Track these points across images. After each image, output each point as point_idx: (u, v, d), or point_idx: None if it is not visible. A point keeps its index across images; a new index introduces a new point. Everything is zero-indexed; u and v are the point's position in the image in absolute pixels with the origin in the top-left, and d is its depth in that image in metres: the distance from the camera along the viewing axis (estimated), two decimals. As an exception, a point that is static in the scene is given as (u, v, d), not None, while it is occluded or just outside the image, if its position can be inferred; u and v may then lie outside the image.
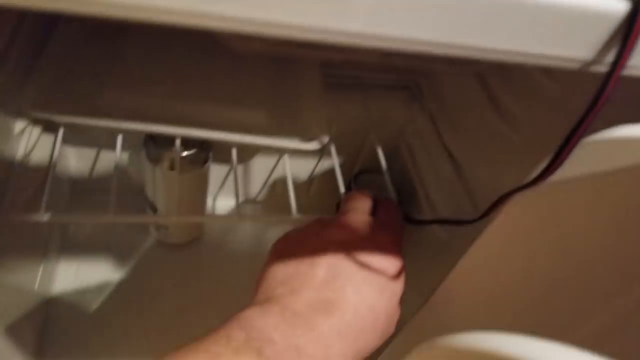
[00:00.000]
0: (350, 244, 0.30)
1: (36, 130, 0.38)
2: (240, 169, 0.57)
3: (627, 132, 0.20)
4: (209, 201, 0.58)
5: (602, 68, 0.19)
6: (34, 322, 0.46)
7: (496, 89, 0.40)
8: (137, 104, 0.38)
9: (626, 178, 0.21)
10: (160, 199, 0.47)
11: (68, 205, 0.54)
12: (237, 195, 0.37)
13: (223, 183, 0.55)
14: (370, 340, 0.28)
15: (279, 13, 0.15)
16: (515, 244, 0.30)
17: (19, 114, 0.36)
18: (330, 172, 0.57)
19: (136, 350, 0.48)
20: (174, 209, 0.45)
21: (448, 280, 0.40)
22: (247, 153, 0.40)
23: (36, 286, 0.45)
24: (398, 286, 0.31)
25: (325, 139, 0.38)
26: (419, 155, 0.51)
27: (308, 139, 0.38)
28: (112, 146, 0.51)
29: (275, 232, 0.62)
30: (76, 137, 0.49)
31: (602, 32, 0.18)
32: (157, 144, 0.43)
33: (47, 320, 0.48)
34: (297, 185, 0.59)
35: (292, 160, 0.55)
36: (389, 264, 0.31)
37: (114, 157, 0.52)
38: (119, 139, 0.38)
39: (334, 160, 0.41)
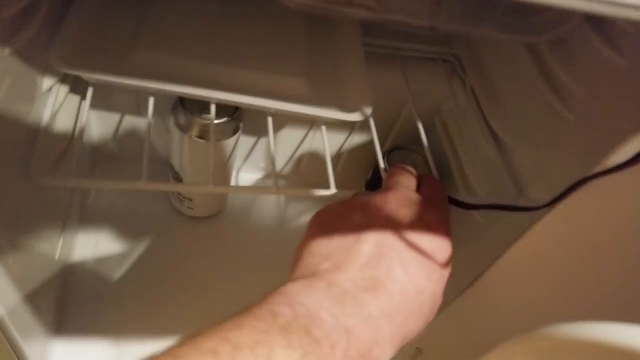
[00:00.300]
0: (397, 221, 0.28)
1: (63, 89, 0.36)
2: (262, 142, 0.55)
3: None
4: (232, 174, 0.56)
5: None
6: (54, 290, 0.44)
7: (551, 62, 0.37)
8: (170, 66, 0.36)
9: None
10: (187, 169, 0.45)
11: (89, 173, 0.53)
12: (273, 167, 0.35)
13: (249, 154, 0.54)
14: (416, 325, 0.26)
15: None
16: (580, 233, 0.28)
17: (47, 69, 0.34)
18: (359, 148, 0.55)
19: (156, 321, 0.47)
20: (202, 179, 0.43)
21: (496, 266, 0.39)
22: (274, 125, 0.38)
23: (57, 255, 0.44)
24: (446, 271, 0.29)
25: (368, 111, 0.36)
26: (455, 133, 0.48)
27: (350, 109, 0.36)
28: (136, 112, 0.50)
29: (297, 207, 0.61)
30: (99, 101, 0.47)
31: None
32: (186, 111, 0.41)
33: (67, 290, 0.47)
34: (322, 162, 0.57)
35: (318, 134, 0.53)
36: (438, 246, 0.29)
37: (138, 123, 0.51)
38: (151, 102, 0.35)
39: (372, 134, 0.38)
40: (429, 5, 0.34)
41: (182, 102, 0.42)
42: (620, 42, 0.31)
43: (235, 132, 0.43)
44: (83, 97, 0.41)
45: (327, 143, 0.36)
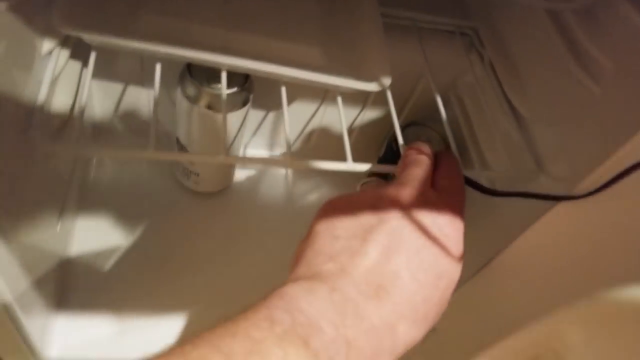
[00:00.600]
0: (407, 223, 0.26)
1: (64, 54, 0.34)
2: (270, 117, 0.53)
3: None
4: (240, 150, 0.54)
5: None
6: (55, 265, 0.43)
7: (577, 33, 0.36)
8: (179, 30, 0.34)
9: None
10: (195, 142, 0.44)
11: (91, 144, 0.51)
12: (286, 139, 0.33)
13: (257, 130, 0.52)
14: (419, 332, 0.25)
15: None
16: (605, 218, 0.27)
17: (47, 31, 0.32)
18: (371, 125, 0.54)
19: (159, 298, 0.46)
20: (211, 152, 0.42)
21: (513, 247, 0.37)
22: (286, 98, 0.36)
23: (58, 229, 0.43)
24: (456, 274, 0.27)
25: (387, 81, 0.34)
26: (471, 109, 0.47)
27: (367, 80, 0.34)
28: (140, 83, 0.48)
29: (304, 185, 0.59)
30: (101, 70, 0.45)
31: None
32: (195, 81, 0.39)
33: (68, 265, 0.46)
34: (333, 138, 0.55)
35: (329, 109, 0.51)
36: (452, 243, 0.27)
37: (142, 95, 0.49)
38: (158, 68, 0.33)
39: (390, 107, 0.37)
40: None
41: (190, 72, 0.40)
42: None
43: (244, 103, 0.42)
44: (85, 63, 0.39)
45: (343, 114, 0.35)
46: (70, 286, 0.45)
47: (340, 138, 0.55)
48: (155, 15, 0.34)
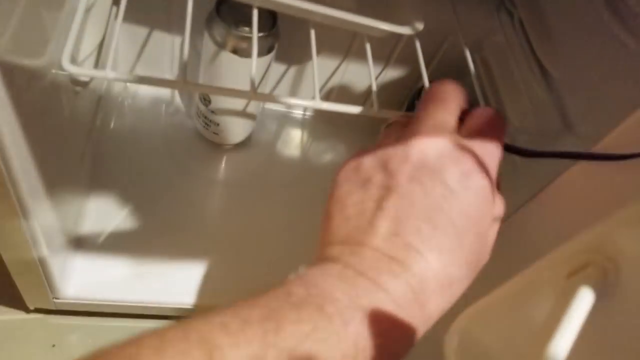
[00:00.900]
0: (421, 175, 0.23)
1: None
2: (291, 71, 0.53)
3: None
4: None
5: None
6: (75, 203, 0.44)
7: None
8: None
9: None
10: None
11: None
12: (315, 82, 0.33)
13: (279, 81, 0.52)
14: (441, 308, 0.23)
15: None
16: None
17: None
18: (391, 83, 0.53)
19: (176, 245, 0.47)
20: (234, 100, 0.42)
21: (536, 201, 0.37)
22: (310, 50, 0.35)
23: (80, 172, 0.43)
24: (487, 249, 0.24)
25: (420, 25, 0.34)
26: (497, 70, 0.46)
27: (400, 22, 0.34)
28: (167, 28, 0.48)
29: (320, 146, 0.59)
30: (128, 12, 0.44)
31: None
32: (223, 23, 0.39)
33: (88, 212, 0.46)
34: (353, 95, 0.55)
35: (351, 65, 0.51)
36: (478, 198, 0.23)
37: (166, 43, 0.49)
38: (190, 2, 0.33)
39: (418, 55, 0.36)
40: None
41: (219, 13, 0.39)
42: None
43: (270, 50, 0.41)
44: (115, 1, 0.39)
45: (371, 59, 0.35)
46: (89, 230, 0.45)
47: (360, 96, 0.56)
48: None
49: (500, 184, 0.27)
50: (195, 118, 0.51)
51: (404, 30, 0.33)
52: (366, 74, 0.35)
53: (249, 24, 0.37)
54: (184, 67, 0.31)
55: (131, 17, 0.45)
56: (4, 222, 0.31)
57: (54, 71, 0.30)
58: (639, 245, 0.14)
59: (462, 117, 0.27)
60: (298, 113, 0.59)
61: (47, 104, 0.31)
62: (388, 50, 0.49)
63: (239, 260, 0.48)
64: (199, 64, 0.45)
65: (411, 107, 0.49)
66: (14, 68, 0.24)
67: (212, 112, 0.48)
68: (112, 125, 0.52)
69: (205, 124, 0.49)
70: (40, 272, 0.37)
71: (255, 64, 0.32)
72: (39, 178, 0.30)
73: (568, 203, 0.25)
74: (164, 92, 0.55)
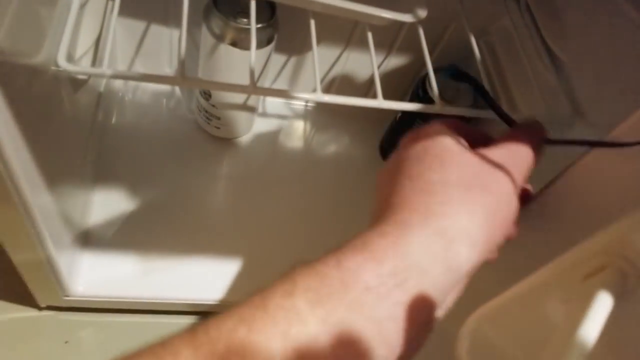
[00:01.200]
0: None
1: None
2: (291, 63, 0.52)
3: None
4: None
5: None
6: (81, 201, 0.43)
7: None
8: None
9: None
10: (220, 81, 0.43)
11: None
12: (316, 75, 0.32)
13: (279, 74, 0.51)
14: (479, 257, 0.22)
15: None
16: None
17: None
18: (394, 72, 0.52)
19: (181, 241, 0.47)
20: (234, 94, 0.41)
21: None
22: (310, 40, 0.34)
23: (82, 171, 0.43)
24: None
25: (423, 13, 0.33)
26: (503, 55, 0.45)
27: (402, 10, 0.33)
28: (164, 21, 0.47)
29: (323, 137, 0.59)
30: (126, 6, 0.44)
31: None
32: (221, 14, 0.38)
33: (92, 209, 0.46)
34: (355, 86, 0.54)
35: (352, 55, 0.50)
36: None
37: (164, 36, 0.48)
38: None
39: (422, 42, 0.35)
40: None
41: (217, 5, 0.39)
42: None
43: (269, 41, 0.41)
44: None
45: (372, 48, 0.34)
46: (95, 228, 0.45)
47: (362, 86, 0.55)
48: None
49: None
50: (197, 112, 0.50)
51: (407, 18, 0.32)
52: (368, 63, 0.34)
53: (247, 15, 0.36)
54: (182, 63, 0.30)
55: (127, 11, 0.44)
56: (8, 220, 0.31)
57: (53, 68, 0.30)
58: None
59: None
60: (300, 104, 0.59)
61: (46, 100, 0.31)
62: (390, 38, 0.47)
63: (247, 253, 0.48)
64: (199, 57, 0.44)
65: (415, 96, 0.48)
66: (10, 66, 0.24)
67: (213, 106, 0.47)
68: (113, 120, 0.52)
69: (207, 118, 0.49)
70: (49, 270, 0.37)
71: (254, 56, 0.31)
72: (39, 175, 0.30)
73: (582, 199, 0.24)
74: (165, 86, 0.54)
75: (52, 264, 0.36)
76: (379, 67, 0.50)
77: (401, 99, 0.54)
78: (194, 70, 0.46)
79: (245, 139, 0.54)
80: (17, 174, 0.27)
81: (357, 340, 0.17)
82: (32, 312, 0.44)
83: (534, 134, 0.27)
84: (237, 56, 0.40)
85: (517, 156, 0.25)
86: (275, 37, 0.41)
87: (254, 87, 0.31)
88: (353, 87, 0.53)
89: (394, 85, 0.53)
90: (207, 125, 0.50)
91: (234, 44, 0.39)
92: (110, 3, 0.39)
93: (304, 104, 0.59)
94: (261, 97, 0.54)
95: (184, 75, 0.29)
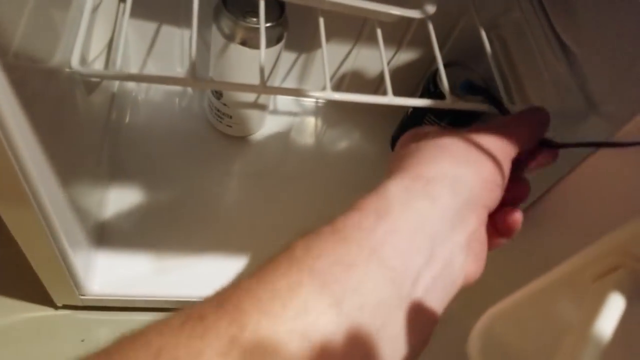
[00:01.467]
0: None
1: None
2: (301, 61, 0.52)
3: None
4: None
5: None
6: (96, 201, 0.44)
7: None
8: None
9: None
10: (230, 80, 0.43)
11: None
12: (325, 73, 0.32)
13: (288, 72, 0.51)
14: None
15: None
16: None
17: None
18: (403, 67, 0.52)
19: (195, 240, 0.47)
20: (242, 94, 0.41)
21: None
22: (320, 38, 0.34)
23: (97, 170, 0.43)
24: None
25: (432, 8, 0.33)
26: (514, 48, 0.45)
27: (411, 5, 0.33)
28: (175, 22, 0.47)
29: (335, 133, 0.59)
30: (136, 8, 0.44)
31: None
32: (231, 14, 0.38)
33: (107, 209, 0.47)
34: (366, 83, 0.54)
35: (362, 51, 0.50)
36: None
37: (175, 37, 0.48)
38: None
39: (431, 38, 0.35)
40: None
41: (226, 5, 0.39)
42: None
43: (279, 40, 0.41)
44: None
45: (382, 44, 0.34)
46: (109, 227, 0.46)
47: (372, 82, 0.55)
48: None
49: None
50: (209, 111, 0.51)
51: (416, 14, 0.32)
52: (378, 59, 0.34)
53: (256, 14, 0.36)
54: (192, 64, 0.30)
55: (138, 13, 0.44)
56: (24, 220, 0.31)
57: (67, 70, 0.31)
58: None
59: None
60: (311, 101, 0.59)
61: (60, 102, 0.31)
62: (400, 34, 0.47)
63: (261, 250, 0.48)
64: (210, 56, 0.44)
65: (426, 91, 0.48)
66: (24, 70, 0.24)
67: (225, 104, 0.47)
68: (127, 119, 0.53)
69: (219, 117, 0.49)
70: (65, 269, 0.38)
71: (264, 55, 0.31)
72: (54, 174, 0.31)
73: (593, 199, 0.24)
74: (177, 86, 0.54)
75: (68, 263, 0.37)
76: (388, 63, 0.49)
77: (412, 93, 0.53)
78: (206, 69, 0.46)
79: (257, 136, 0.54)
80: (32, 174, 0.27)
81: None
82: (48, 312, 0.44)
83: (531, 117, 0.28)
84: (247, 55, 0.40)
85: (506, 136, 0.26)
86: (285, 35, 0.41)
87: (263, 87, 0.31)
88: (363, 84, 0.53)
89: (404, 81, 0.52)
90: (219, 124, 0.51)
91: (243, 43, 0.39)
92: (121, 5, 0.39)
93: (314, 100, 0.59)
94: (272, 95, 0.55)
95: (194, 76, 0.30)
